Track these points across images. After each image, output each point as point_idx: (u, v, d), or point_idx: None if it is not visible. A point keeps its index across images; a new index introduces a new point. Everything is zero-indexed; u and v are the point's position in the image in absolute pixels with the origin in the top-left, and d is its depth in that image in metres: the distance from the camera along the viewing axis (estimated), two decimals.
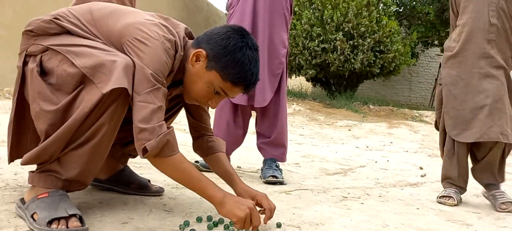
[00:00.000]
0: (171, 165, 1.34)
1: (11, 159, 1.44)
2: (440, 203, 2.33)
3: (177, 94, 1.61)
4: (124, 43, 1.32)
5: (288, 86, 12.38)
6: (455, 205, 2.29)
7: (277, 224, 1.54)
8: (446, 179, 2.44)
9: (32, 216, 1.26)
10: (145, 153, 1.27)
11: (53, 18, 1.34)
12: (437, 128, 2.58)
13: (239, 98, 2.41)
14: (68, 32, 1.34)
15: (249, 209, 1.36)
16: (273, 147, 2.53)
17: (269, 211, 1.50)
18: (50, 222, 1.22)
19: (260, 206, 1.52)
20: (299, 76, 10.23)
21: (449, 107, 2.37)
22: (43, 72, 1.30)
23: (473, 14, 2.32)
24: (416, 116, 8.81)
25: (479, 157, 2.38)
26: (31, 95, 1.29)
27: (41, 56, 1.30)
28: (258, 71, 1.45)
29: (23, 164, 1.32)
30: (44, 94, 1.26)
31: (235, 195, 1.55)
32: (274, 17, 2.50)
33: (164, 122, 1.32)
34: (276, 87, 2.51)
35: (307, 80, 10.90)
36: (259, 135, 2.59)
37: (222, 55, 1.38)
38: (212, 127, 1.79)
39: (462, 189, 2.41)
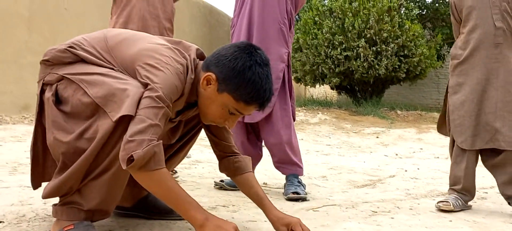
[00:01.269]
0: (155, 179, 1.25)
1: (35, 185, 1.46)
2: (437, 208, 2.26)
3: (194, 115, 1.61)
4: (137, 68, 1.33)
5: (312, 95, 12.37)
6: (451, 210, 2.22)
7: None
8: (451, 185, 2.39)
9: None
10: (129, 163, 1.19)
11: (68, 47, 1.36)
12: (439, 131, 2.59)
13: (246, 117, 2.45)
14: (83, 60, 1.36)
15: None
16: (288, 164, 2.52)
17: None
18: None
19: None
20: (323, 85, 10.15)
21: (455, 115, 2.35)
22: (59, 101, 1.32)
23: (478, 20, 2.30)
24: None
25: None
26: (47, 124, 1.32)
27: (57, 85, 1.33)
28: (271, 86, 1.43)
29: (44, 197, 1.34)
30: (58, 124, 1.29)
31: (269, 219, 1.58)
32: (268, 32, 2.50)
33: (156, 138, 1.24)
34: (274, 102, 2.47)
35: (332, 88, 10.81)
36: (272, 154, 2.57)
37: (231, 77, 1.37)
38: None
39: (467, 195, 2.34)
